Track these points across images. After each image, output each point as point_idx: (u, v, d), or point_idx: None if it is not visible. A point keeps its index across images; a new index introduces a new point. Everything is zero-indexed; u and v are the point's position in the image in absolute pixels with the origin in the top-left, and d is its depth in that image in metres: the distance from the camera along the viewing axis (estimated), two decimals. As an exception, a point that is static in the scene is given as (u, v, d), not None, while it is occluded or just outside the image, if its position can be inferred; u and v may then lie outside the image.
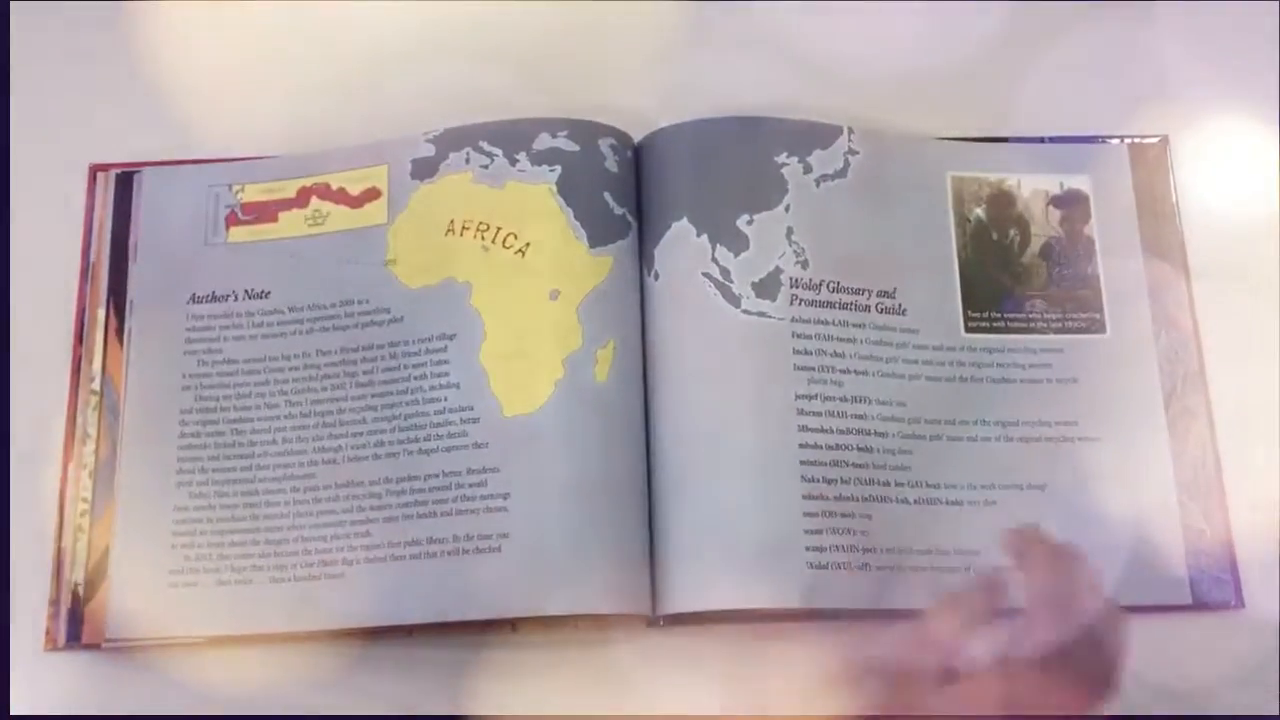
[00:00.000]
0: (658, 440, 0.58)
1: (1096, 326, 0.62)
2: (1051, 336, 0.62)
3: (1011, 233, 0.63)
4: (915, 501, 0.58)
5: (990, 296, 0.62)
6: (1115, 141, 0.65)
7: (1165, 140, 0.65)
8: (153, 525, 0.58)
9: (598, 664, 0.57)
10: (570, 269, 0.59)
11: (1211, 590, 0.58)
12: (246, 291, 0.62)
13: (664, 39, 0.67)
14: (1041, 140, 0.65)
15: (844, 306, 0.60)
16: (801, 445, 0.57)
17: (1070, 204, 0.64)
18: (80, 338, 0.61)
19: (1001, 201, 0.64)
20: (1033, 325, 0.62)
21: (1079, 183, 0.64)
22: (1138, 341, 0.62)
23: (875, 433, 0.59)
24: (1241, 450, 0.60)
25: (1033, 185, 0.64)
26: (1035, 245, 0.63)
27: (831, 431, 0.58)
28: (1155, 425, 0.60)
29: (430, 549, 0.56)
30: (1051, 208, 0.64)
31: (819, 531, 0.56)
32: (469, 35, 0.67)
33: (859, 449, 0.58)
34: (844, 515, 0.57)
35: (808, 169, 0.61)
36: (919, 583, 0.57)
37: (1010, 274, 0.63)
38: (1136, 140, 0.65)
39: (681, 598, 0.56)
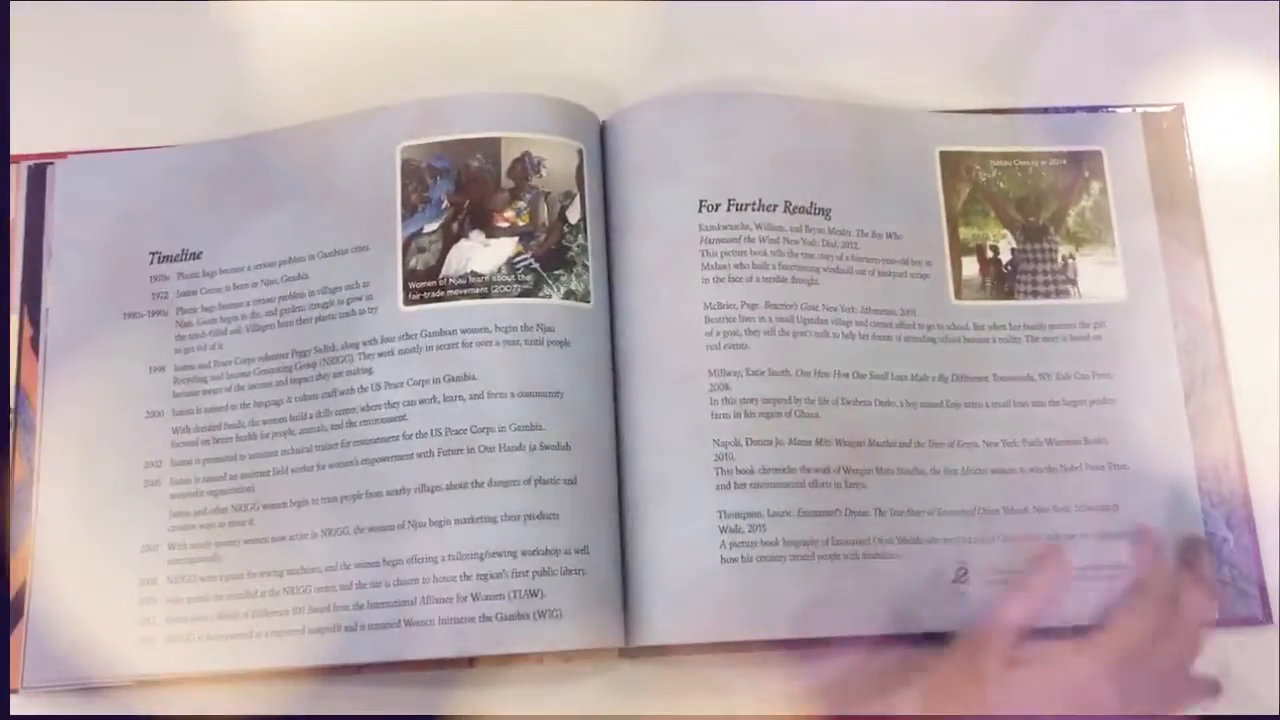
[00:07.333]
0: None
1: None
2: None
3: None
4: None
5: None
6: (1127, 111, 0.59)
7: (1180, 109, 0.60)
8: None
9: (565, 701, 0.53)
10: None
11: (1237, 605, 0.54)
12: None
13: (631, 15, 0.62)
14: (1046, 111, 0.59)
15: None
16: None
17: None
18: (-9, 349, 0.56)
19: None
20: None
21: None
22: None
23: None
24: (1268, 451, 0.55)
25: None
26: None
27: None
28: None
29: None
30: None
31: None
32: (410, 18, 0.62)
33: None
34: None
35: None
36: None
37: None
38: (1150, 109, 0.59)
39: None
